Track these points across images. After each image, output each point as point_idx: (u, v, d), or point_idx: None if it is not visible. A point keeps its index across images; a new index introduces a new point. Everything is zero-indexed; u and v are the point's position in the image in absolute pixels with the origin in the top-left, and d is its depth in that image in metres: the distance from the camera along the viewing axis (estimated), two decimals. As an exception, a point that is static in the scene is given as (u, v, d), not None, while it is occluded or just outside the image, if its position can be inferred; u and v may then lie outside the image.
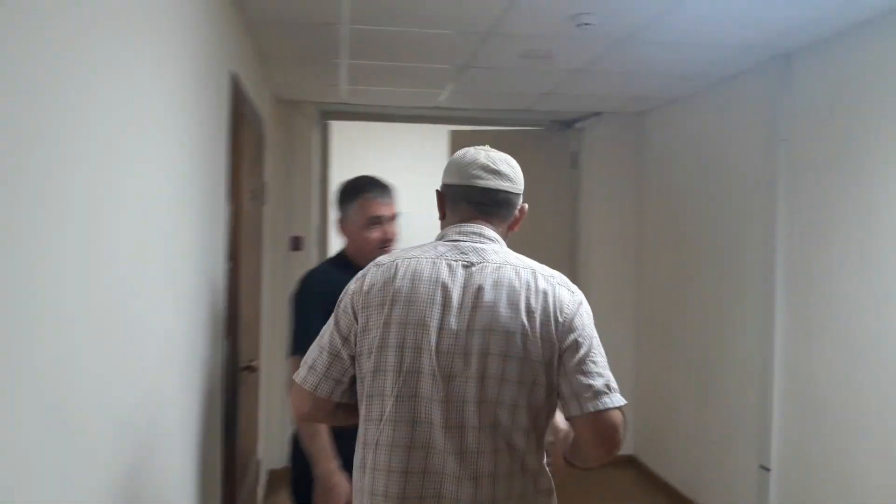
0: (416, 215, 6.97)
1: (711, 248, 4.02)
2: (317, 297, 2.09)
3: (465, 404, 1.37)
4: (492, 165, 1.54)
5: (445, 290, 1.41)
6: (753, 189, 3.61)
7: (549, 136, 5.14)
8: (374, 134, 6.19)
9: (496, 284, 1.41)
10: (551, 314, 1.40)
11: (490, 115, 4.90)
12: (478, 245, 1.48)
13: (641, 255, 4.91)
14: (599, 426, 1.37)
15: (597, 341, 1.43)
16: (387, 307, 1.41)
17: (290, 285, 4.26)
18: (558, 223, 5.13)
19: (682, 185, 4.39)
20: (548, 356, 1.39)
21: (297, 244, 4.65)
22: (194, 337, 2.18)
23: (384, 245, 2.22)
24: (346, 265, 2.17)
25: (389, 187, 2.32)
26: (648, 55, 3.39)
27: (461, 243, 1.48)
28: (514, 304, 1.40)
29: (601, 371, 1.40)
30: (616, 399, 1.38)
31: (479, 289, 1.41)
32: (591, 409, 1.36)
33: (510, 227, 1.59)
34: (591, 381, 1.37)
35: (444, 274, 1.43)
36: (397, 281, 1.43)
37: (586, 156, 5.04)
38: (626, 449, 4.91)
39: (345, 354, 1.46)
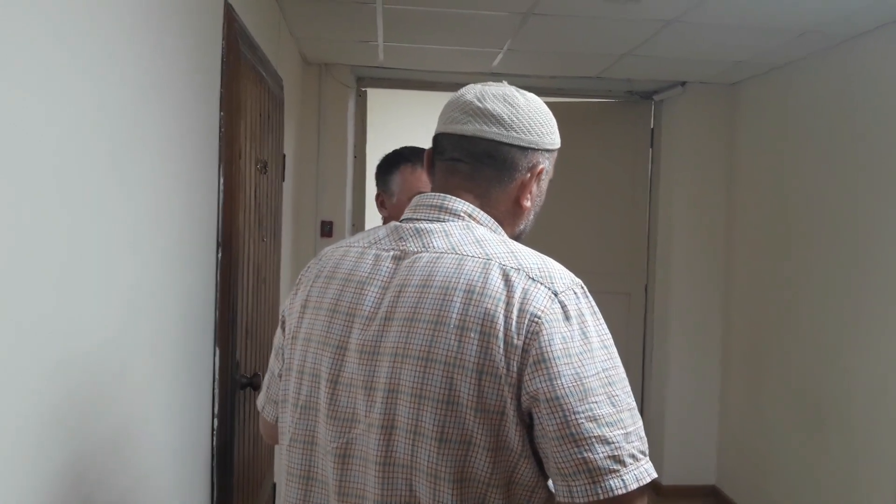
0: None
1: (831, 246, 3.23)
2: None
3: (366, 465, 0.93)
4: (476, 102, 1.04)
5: (360, 294, 0.99)
6: (894, 172, 2.83)
7: (624, 109, 4.40)
8: (418, 105, 5.52)
9: (423, 285, 0.94)
10: (497, 330, 0.89)
11: (554, 83, 4.17)
12: (426, 225, 1.02)
13: (732, 252, 4.13)
14: None
15: (601, 378, 0.89)
16: (297, 316, 1.05)
17: None
18: (632, 211, 4.40)
19: (788, 168, 3.60)
20: (493, 401, 0.88)
21: (327, 229, 4.04)
22: (158, 348, 1.57)
23: None
24: None
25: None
26: (760, 3, 2.65)
27: (410, 224, 1.04)
28: (441, 316, 0.91)
29: (604, 433, 0.87)
30: (630, 478, 0.87)
31: (400, 292, 0.95)
32: (583, 500, 0.86)
33: (517, 198, 1.06)
34: (586, 453, 0.86)
35: (364, 270, 1.00)
36: (319, 281, 1.04)
37: (668, 132, 4.28)
38: (706, 478, 4.18)
39: (277, 372, 1.14)
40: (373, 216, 6.15)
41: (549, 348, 0.88)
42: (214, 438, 2.05)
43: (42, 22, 1.00)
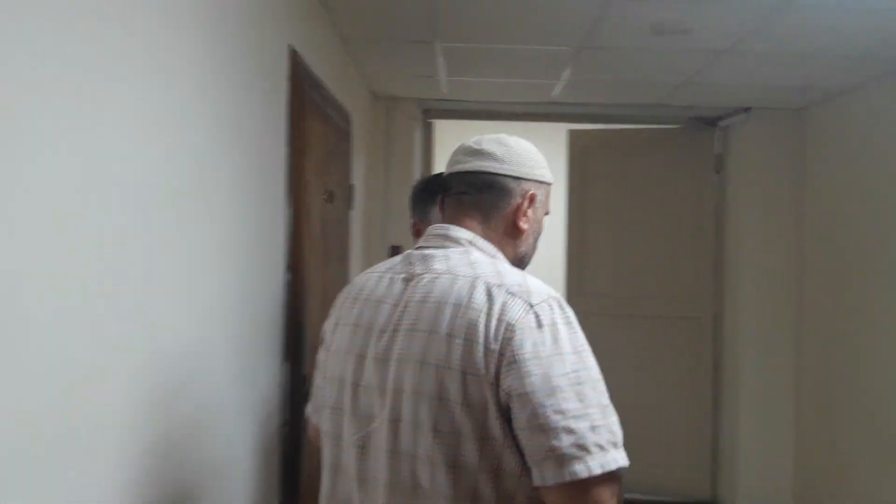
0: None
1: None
2: None
3: (378, 454, 1.10)
4: (474, 146, 1.27)
5: (376, 310, 1.16)
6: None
7: (688, 136, 4.42)
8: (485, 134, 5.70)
9: (423, 301, 1.11)
10: (478, 337, 1.04)
11: (615, 110, 4.25)
12: (432, 251, 1.19)
13: (804, 279, 4.06)
14: (567, 502, 1.00)
15: (570, 378, 1.02)
16: (331, 333, 1.25)
17: None
18: (699, 238, 4.39)
19: (861, 195, 3.54)
20: (476, 397, 1.03)
21: (396, 254, 4.21)
22: (231, 355, 1.76)
23: None
24: None
25: None
26: (817, 27, 2.66)
27: (419, 251, 1.22)
28: (434, 326, 1.07)
29: (570, 424, 0.99)
30: (594, 464, 0.99)
31: (405, 307, 1.13)
32: (553, 482, 0.99)
33: (514, 220, 1.24)
34: (553, 441, 0.99)
35: (381, 291, 1.18)
36: (347, 302, 1.24)
37: (734, 159, 4.27)
38: (784, 499, 4.08)
39: (319, 382, 1.30)
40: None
41: (520, 351, 1.02)
42: (285, 444, 2.23)
43: (146, 77, 1.20)
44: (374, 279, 1.23)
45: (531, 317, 1.04)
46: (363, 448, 1.12)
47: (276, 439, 2.18)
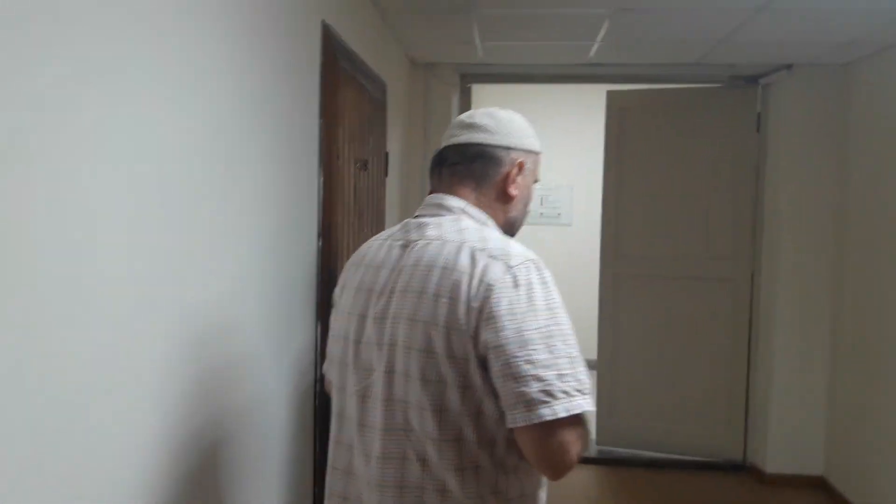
0: (574, 188, 6.51)
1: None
2: None
3: (375, 402, 1.22)
4: (467, 120, 1.37)
5: (376, 275, 1.28)
6: None
7: (728, 95, 4.36)
8: (523, 98, 5.70)
9: (415, 265, 1.22)
10: (461, 296, 1.14)
11: (654, 70, 4.22)
12: (428, 219, 1.29)
13: (843, 241, 4.01)
14: (535, 442, 1.11)
15: (541, 332, 1.11)
16: (338, 296, 1.37)
17: None
18: (738, 198, 4.35)
19: (900, 150, 3.47)
20: (459, 350, 1.14)
21: (434, 219, 4.31)
22: (265, 311, 1.91)
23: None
24: None
25: None
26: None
27: (415, 219, 1.32)
28: (424, 287, 1.18)
29: (539, 372, 1.09)
30: (560, 408, 1.08)
31: (401, 271, 1.24)
32: (522, 423, 1.10)
33: (504, 187, 1.33)
34: (523, 388, 1.09)
35: (381, 257, 1.30)
36: (352, 267, 1.36)
37: (775, 117, 4.20)
38: (814, 468, 4.11)
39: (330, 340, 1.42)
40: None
41: (496, 308, 1.12)
42: (318, 397, 2.38)
43: (176, 51, 1.32)
44: (375, 246, 1.33)
45: (509, 277, 1.14)
46: (363, 397, 1.24)
47: (310, 392, 2.33)
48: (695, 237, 4.38)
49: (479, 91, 4.69)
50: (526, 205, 1.40)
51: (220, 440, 1.63)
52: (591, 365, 5.60)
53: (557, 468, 1.13)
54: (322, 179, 2.37)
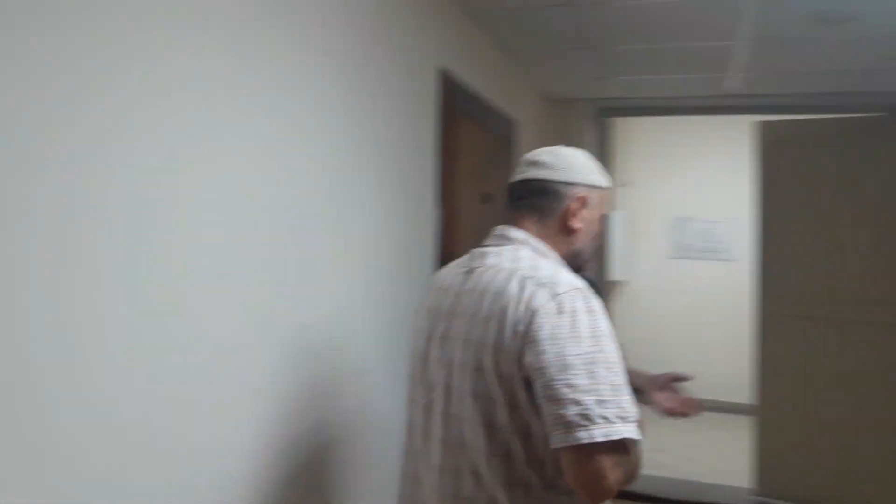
0: (720, 221, 6.27)
1: None
2: None
3: (437, 416, 1.33)
4: (532, 158, 1.47)
5: (444, 298, 1.39)
6: None
7: (888, 124, 4.05)
8: (665, 130, 5.62)
9: (472, 290, 1.33)
10: (508, 320, 1.23)
11: (801, 100, 4.04)
12: (491, 248, 1.39)
13: None
14: (573, 465, 1.14)
15: (583, 358, 1.16)
16: (415, 318, 1.49)
17: None
18: (900, 234, 4.00)
19: None
20: (506, 369, 1.22)
21: (569, 251, 4.39)
22: (376, 344, 2.12)
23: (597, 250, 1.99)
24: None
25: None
26: None
27: (480, 248, 1.42)
28: (477, 310, 1.29)
29: (578, 396, 1.13)
30: (597, 432, 1.11)
31: (460, 295, 1.35)
32: (560, 445, 1.14)
33: (565, 221, 1.41)
34: (561, 410, 1.14)
35: (448, 282, 1.42)
36: (428, 292, 1.47)
37: (946, 146, 3.84)
38: None
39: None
40: (614, 238, 6.34)
41: (539, 332, 1.19)
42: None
43: (305, 104, 1.58)
44: (447, 272, 1.45)
45: (553, 304, 1.20)
46: (428, 410, 1.34)
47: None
48: (861, 278, 4.05)
49: (625, 125, 4.72)
50: (592, 237, 1.46)
51: (325, 443, 1.84)
52: (744, 410, 5.33)
53: (593, 492, 1.15)
54: (441, 212, 2.57)
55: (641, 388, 1.96)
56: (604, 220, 1.50)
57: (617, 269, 6.50)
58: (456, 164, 2.68)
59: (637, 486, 4.25)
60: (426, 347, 1.39)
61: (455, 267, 1.46)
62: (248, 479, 1.51)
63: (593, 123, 4.41)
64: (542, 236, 1.41)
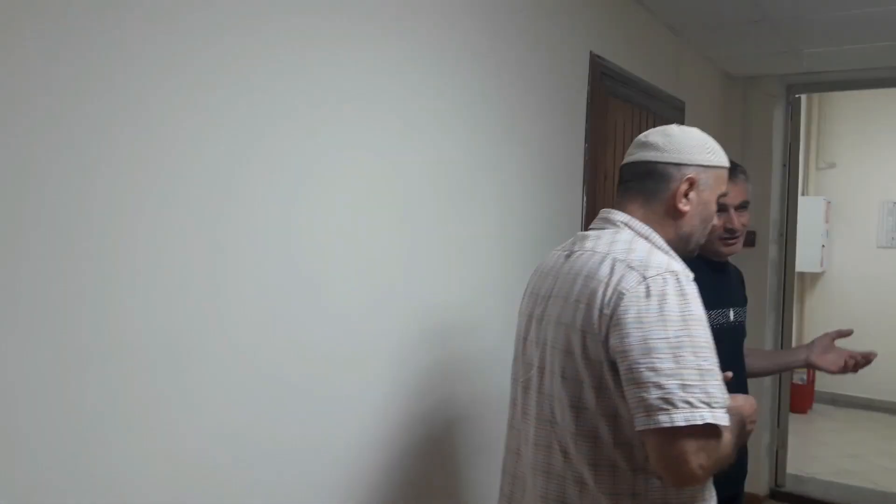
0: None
1: None
2: None
3: (533, 393, 1.35)
4: (642, 139, 1.41)
5: (544, 281, 1.40)
6: None
7: None
8: (872, 106, 4.99)
9: (567, 273, 1.32)
10: (597, 303, 1.21)
11: None
12: (592, 232, 1.38)
13: None
14: (655, 449, 1.14)
15: (669, 342, 1.13)
16: (521, 300, 1.50)
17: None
18: None
19: None
20: (593, 352, 1.21)
21: (750, 239, 4.10)
22: (505, 329, 2.15)
23: (728, 236, 1.94)
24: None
25: (739, 171, 1.98)
26: None
27: (583, 231, 1.41)
28: (569, 293, 1.28)
29: (661, 380, 1.11)
30: (679, 417, 1.09)
31: (557, 278, 1.34)
32: (641, 427, 1.13)
33: (673, 204, 1.35)
34: (643, 393, 1.12)
35: (549, 265, 1.41)
36: (533, 275, 1.48)
37: None
38: None
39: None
40: (808, 226, 5.82)
41: (624, 315, 1.16)
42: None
43: (455, 91, 1.66)
44: (551, 256, 1.44)
45: (642, 287, 1.18)
46: (526, 388, 1.37)
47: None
48: None
49: (825, 101, 4.30)
50: (704, 220, 1.38)
51: (451, 420, 1.91)
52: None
53: (675, 476, 1.14)
54: (585, 199, 2.53)
55: (809, 361, 2.07)
56: (721, 201, 1.41)
57: (812, 259, 5.95)
58: (606, 149, 2.61)
59: (825, 495, 3.93)
60: (526, 328, 1.41)
61: (559, 250, 1.45)
62: (379, 440, 1.64)
63: (780, 101, 4.05)
64: (648, 219, 1.36)
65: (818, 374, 6.17)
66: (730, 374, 1.47)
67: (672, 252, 1.34)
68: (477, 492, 2.01)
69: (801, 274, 6.23)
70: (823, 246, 5.97)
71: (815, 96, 5.96)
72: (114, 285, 1.13)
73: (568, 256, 1.37)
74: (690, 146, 1.36)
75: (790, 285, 4.17)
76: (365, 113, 1.58)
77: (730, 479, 2.00)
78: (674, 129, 1.40)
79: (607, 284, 1.21)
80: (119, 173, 1.13)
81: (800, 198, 6.00)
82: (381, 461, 1.67)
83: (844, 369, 2.02)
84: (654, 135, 1.39)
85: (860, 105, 5.86)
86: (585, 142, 2.51)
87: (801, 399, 5.94)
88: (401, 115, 1.68)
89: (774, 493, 4.02)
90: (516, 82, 2.10)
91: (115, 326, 1.13)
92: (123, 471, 1.15)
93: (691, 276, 1.26)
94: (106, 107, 1.10)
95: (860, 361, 2.02)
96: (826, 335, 2.10)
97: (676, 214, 1.35)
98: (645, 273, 1.20)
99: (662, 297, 1.17)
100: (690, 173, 1.34)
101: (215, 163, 1.27)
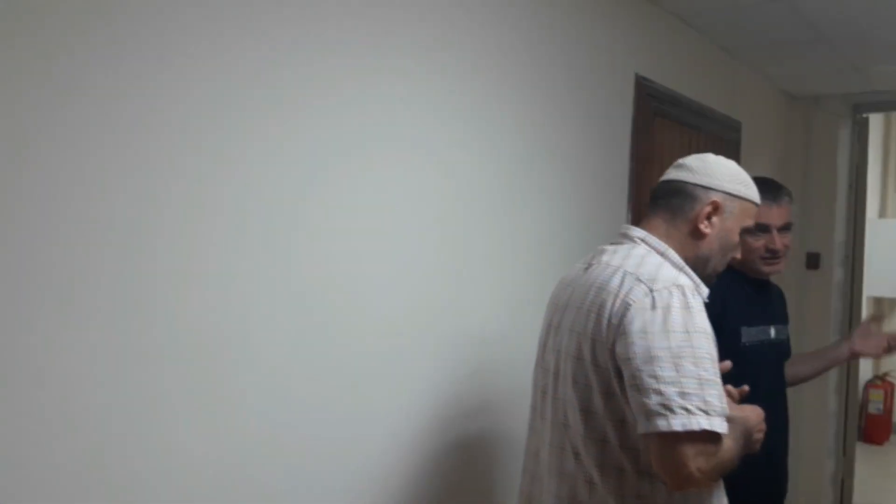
0: None
1: None
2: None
3: (549, 398, 1.42)
4: (680, 161, 1.48)
5: (564, 291, 1.47)
6: None
7: None
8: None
9: (583, 284, 1.39)
10: (606, 312, 1.29)
11: None
12: (609, 246, 1.45)
13: None
14: (655, 452, 1.21)
15: (671, 352, 1.20)
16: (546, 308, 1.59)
17: (805, 306, 4.08)
18: None
19: None
20: (601, 359, 1.29)
21: (813, 262, 4.02)
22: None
23: (770, 256, 1.99)
24: (730, 275, 1.95)
25: (783, 193, 2.04)
26: None
27: (603, 246, 1.48)
28: (582, 303, 1.36)
29: (661, 387, 1.18)
30: (676, 422, 1.16)
31: (574, 289, 1.42)
32: (642, 431, 1.21)
33: (696, 224, 1.41)
34: (644, 399, 1.20)
35: (570, 277, 1.49)
36: (556, 286, 1.55)
37: None
38: None
39: None
40: (885, 249, 5.61)
41: (630, 326, 1.24)
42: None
43: (503, 112, 1.78)
44: (573, 268, 1.52)
45: (648, 300, 1.25)
46: (543, 393, 1.45)
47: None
48: None
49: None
50: (724, 248, 1.43)
51: (482, 427, 2.00)
52: None
53: (674, 479, 1.20)
54: (631, 216, 2.58)
55: (852, 350, 2.15)
56: (764, 222, 1.47)
57: (890, 284, 5.74)
58: (653, 169, 2.65)
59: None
60: (546, 336, 1.50)
61: (580, 263, 1.53)
62: (411, 441, 1.75)
63: (846, 121, 3.97)
64: (670, 236, 1.42)
65: (897, 404, 5.90)
66: (743, 386, 1.52)
67: (686, 268, 1.39)
68: (501, 492, 2.09)
69: (879, 299, 6.00)
70: (905, 272, 5.73)
71: (893, 116, 5.77)
72: (145, 288, 1.27)
73: (586, 269, 1.44)
74: (722, 173, 1.43)
75: (856, 308, 4.05)
76: (420, 125, 1.74)
77: (764, 498, 2.01)
78: (710, 156, 1.47)
79: (616, 295, 1.29)
80: (156, 179, 1.29)
81: (877, 220, 5.82)
82: (413, 461, 1.77)
83: (889, 350, 2.12)
84: (691, 159, 1.47)
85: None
86: (630, 161, 2.57)
87: (877, 430, 5.70)
88: (451, 131, 1.82)
89: (839, 524, 3.89)
90: (563, 104, 2.20)
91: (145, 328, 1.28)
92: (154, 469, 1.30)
93: (706, 291, 1.36)
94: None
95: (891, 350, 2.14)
96: (863, 323, 2.22)
97: (698, 235, 1.42)
98: (652, 286, 1.27)
99: (667, 310, 1.23)
100: (716, 198, 1.41)
101: (247, 168, 1.41)
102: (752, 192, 1.45)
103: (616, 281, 1.31)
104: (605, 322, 1.29)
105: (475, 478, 1.99)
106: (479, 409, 1.99)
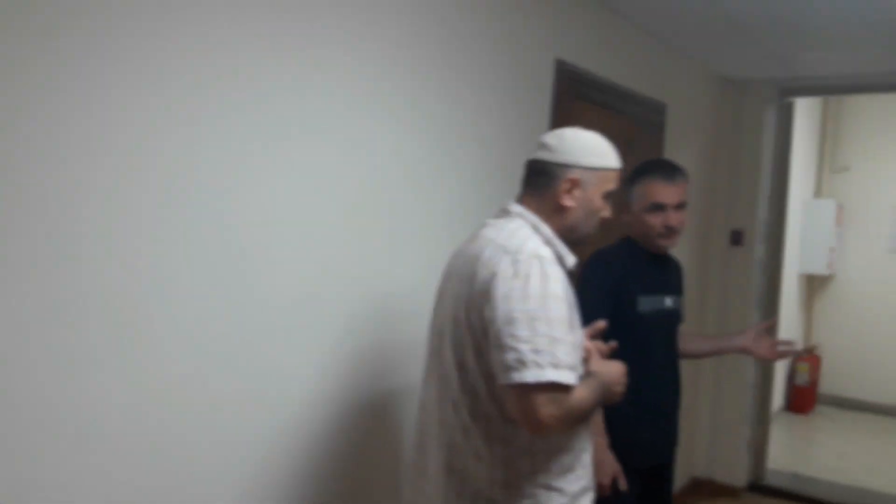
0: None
1: None
2: (593, 278, 2.13)
3: (434, 356, 1.57)
4: (540, 139, 1.60)
5: (452, 262, 1.59)
6: None
7: None
8: (889, 109, 4.97)
9: (465, 255, 1.53)
10: (477, 280, 1.44)
11: None
12: (490, 220, 1.58)
13: None
14: (512, 401, 1.37)
15: (528, 314, 1.35)
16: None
17: (727, 281, 4.20)
18: None
19: None
20: (474, 321, 1.44)
21: (736, 238, 4.21)
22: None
23: (666, 233, 2.14)
24: (631, 248, 2.21)
25: (679, 173, 2.18)
26: None
27: (486, 220, 1.60)
28: (462, 273, 1.50)
29: (517, 345, 1.34)
30: (528, 374, 1.33)
31: (458, 260, 1.56)
32: (501, 383, 1.38)
33: (557, 200, 1.54)
34: (503, 355, 1.36)
35: (459, 249, 1.60)
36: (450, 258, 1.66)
37: None
38: None
39: None
40: (817, 228, 5.85)
41: (495, 292, 1.40)
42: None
43: (416, 94, 1.87)
44: (462, 242, 1.64)
45: (511, 269, 1.40)
46: (431, 353, 1.61)
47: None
48: None
49: (839, 105, 4.35)
50: (589, 214, 1.56)
51: (383, 392, 2.12)
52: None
53: (529, 424, 1.36)
54: (548, 196, 2.70)
55: (744, 348, 2.35)
56: (610, 198, 1.59)
57: (819, 262, 5.98)
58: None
59: (800, 489, 4.04)
60: (437, 302, 1.64)
61: (468, 237, 1.66)
62: (302, 421, 1.85)
63: (772, 105, 4.13)
64: (539, 212, 1.56)
65: (823, 376, 6.20)
66: (611, 342, 1.66)
67: (555, 240, 1.54)
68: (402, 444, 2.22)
69: (809, 276, 6.26)
70: (833, 249, 5.98)
71: (828, 100, 5.97)
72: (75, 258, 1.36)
73: (470, 242, 1.58)
74: (577, 149, 1.55)
75: (777, 284, 4.26)
76: (328, 104, 1.81)
77: (655, 447, 2.20)
78: (567, 132, 1.59)
79: (486, 266, 1.44)
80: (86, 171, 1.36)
81: (812, 200, 6.04)
82: (322, 417, 1.89)
83: (781, 356, 2.35)
84: (550, 136, 1.60)
85: (876, 109, 5.87)
86: (550, 144, 2.68)
87: (802, 400, 5.99)
88: (362, 108, 1.91)
89: (752, 486, 4.13)
90: (479, 83, 2.29)
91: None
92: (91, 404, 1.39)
93: (573, 261, 1.53)
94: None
95: (792, 351, 2.40)
96: (758, 325, 2.44)
97: (561, 209, 1.55)
98: (516, 257, 1.41)
99: (527, 278, 1.38)
100: (573, 175, 1.54)
101: (175, 149, 1.50)
102: (609, 160, 1.57)
103: (488, 252, 1.46)
104: (476, 289, 1.44)
105: (385, 432, 2.12)
106: (388, 369, 2.11)
